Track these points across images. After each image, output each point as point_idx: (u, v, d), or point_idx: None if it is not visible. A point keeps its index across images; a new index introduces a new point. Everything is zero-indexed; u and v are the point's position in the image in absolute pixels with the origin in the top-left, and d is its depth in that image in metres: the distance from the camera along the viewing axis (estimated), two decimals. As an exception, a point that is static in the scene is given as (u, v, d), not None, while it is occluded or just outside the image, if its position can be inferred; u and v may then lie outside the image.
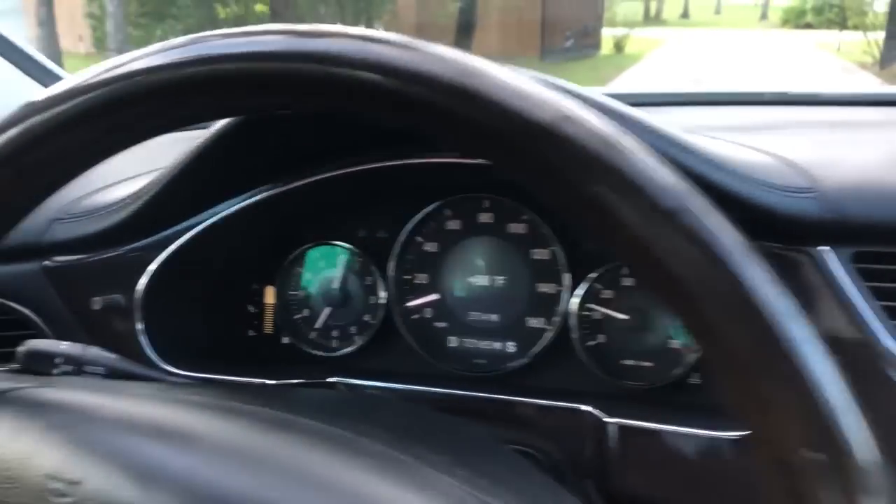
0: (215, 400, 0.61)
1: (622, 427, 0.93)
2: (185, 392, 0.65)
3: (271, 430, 0.54)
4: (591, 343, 1.10)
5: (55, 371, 0.84)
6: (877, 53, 16.51)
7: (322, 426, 0.57)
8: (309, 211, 1.19)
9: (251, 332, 1.23)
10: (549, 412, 1.01)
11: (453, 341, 1.17)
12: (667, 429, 0.92)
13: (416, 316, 1.18)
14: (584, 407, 0.98)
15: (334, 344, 1.21)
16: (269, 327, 1.23)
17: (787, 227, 0.89)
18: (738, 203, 0.88)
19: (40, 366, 0.85)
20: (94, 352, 0.86)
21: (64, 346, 0.85)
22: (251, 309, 1.23)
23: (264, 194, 1.08)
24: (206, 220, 1.07)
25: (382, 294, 1.18)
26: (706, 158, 0.88)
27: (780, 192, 0.89)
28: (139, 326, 1.05)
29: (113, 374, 0.86)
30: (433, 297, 1.17)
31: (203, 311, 1.17)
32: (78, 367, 0.85)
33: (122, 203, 1.04)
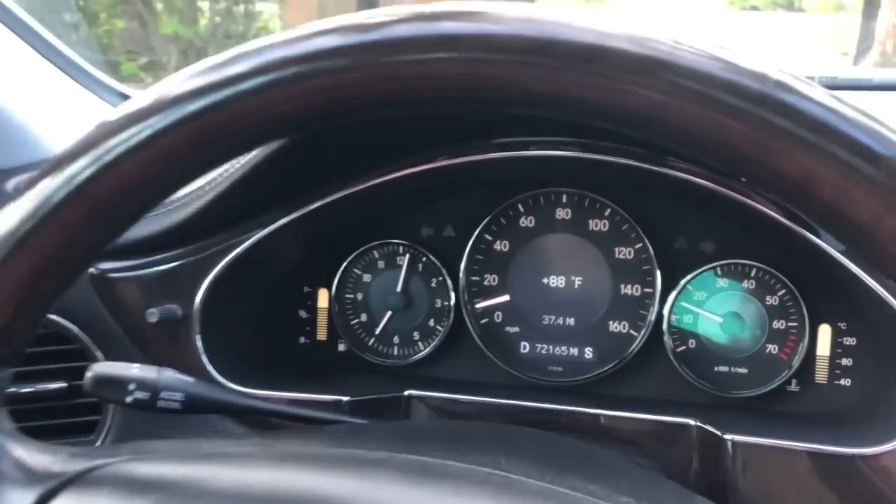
0: (333, 449, 0.54)
1: (742, 444, 0.86)
2: (294, 445, 0.57)
3: (422, 480, 0.47)
4: (682, 349, 1.03)
5: (128, 399, 0.74)
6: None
7: (466, 467, 0.50)
8: (370, 211, 1.09)
9: (303, 340, 1.14)
10: (645, 426, 0.94)
11: (525, 347, 1.09)
12: (792, 446, 0.85)
13: (485, 320, 1.10)
14: (689, 420, 0.91)
15: (396, 351, 1.12)
16: (322, 333, 1.14)
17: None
18: None
19: (112, 393, 0.75)
20: (169, 375, 0.76)
21: (136, 371, 0.75)
22: (303, 314, 1.14)
23: (329, 198, 0.98)
24: (268, 224, 0.97)
25: (451, 296, 1.09)
26: None
27: None
28: (198, 340, 0.95)
29: (189, 400, 0.77)
30: (503, 298, 1.09)
31: (258, 321, 1.07)
32: (154, 394, 0.75)
33: (178, 204, 0.94)
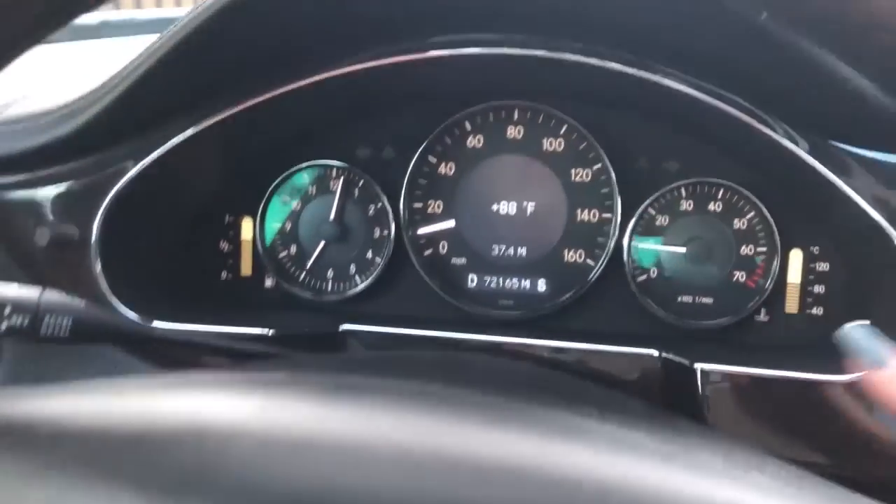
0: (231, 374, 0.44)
1: (712, 372, 0.78)
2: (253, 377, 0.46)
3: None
4: (642, 279, 0.94)
5: (4, 326, 0.62)
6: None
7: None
8: (297, 126, 0.97)
9: (226, 275, 1.02)
10: (608, 358, 0.85)
11: (473, 280, 0.99)
12: (762, 373, 0.77)
13: (429, 251, 0.99)
14: (653, 351, 0.83)
15: (330, 286, 1.01)
16: (246, 268, 1.02)
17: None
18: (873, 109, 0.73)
19: (-19, 317, 0.62)
20: (54, 296, 0.64)
21: (14, 291, 0.63)
22: (225, 247, 1.02)
23: (244, 104, 0.86)
24: (174, 135, 0.84)
25: (391, 225, 0.98)
26: None
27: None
28: (97, 266, 0.82)
29: (80, 327, 0.65)
30: (448, 224, 0.98)
31: (171, 250, 0.94)
32: (35, 319, 0.63)
33: (73, 108, 0.80)
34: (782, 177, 0.86)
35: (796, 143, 0.77)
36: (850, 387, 0.74)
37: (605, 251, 0.94)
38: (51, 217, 0.81)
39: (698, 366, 0.78)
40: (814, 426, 0.77)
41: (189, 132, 0.84)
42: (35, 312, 0.63)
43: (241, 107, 0.86)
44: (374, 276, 0.99)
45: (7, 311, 0.62)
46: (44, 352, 0.79)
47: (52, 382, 0.43)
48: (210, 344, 0.75)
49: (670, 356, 0.81)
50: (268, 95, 0.86)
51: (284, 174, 0.99)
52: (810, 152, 0.77)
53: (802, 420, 0.77)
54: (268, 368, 0.49)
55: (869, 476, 0.77)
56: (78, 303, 0.64)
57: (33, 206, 0.82)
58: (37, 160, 0.82)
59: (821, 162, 0.76)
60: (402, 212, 0.97)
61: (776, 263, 0.90)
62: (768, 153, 0.80)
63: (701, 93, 0.78)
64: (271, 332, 0.84)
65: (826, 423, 0.76)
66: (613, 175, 0.93)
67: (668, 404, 0.81)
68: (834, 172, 0.76)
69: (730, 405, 0.78)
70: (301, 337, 0.86)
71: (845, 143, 0.77)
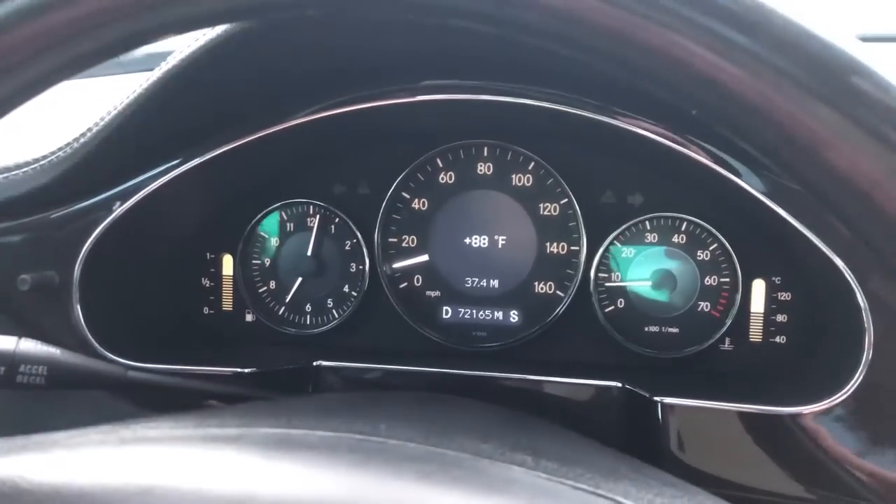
0: (178, 430, 0.46)
1: (672, 405, 0.80)
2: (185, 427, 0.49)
3: (279, 453, 0.40)
4: (610, 310, 0.97)
5: (-21, 374, 0.65)
6: None
7: (334, 436, 0.46)
8: (275, 166, 1.00)
9: (207, 311, 1.05)
10: (574, 390, 0.87)
11: (447, 312, 1.02)
12: (722, 406, 0.79)
13: (404, 284, 1.02)
14: (616, 383, 0.85)
15: (308, 320, 1.04)
16: (227, 303, 1.05)
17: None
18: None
19: (-41, 367, 0.65)
20: (30, 345, 0.67)
21: (-11, 341, 0.66)
22: (206, 283, 1.05)
23: (223, 148, 0.89)
24: (155, 180, 0.87)
25: (366, 260, 1.01)
26: None
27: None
28: (77, 310, 0.85)
29: (55, 373, 0.68)
30: (422, 258, 1.01)
31: (153, 290, 0.97)
32: (11, 367, 0.66)
33: (52, 160, 0.84)
34: (740, 211, 0.88)
35: (752, 184, 0.79)
36: (810, 417, 0.77)
37: (574, 283, 0.97)
38: (31, 263, 0.84)
39: (658, 398, 0.81)
40: (773, 456, 0.79)
41: (170, 175, 0.87)
42: (11, 361, 0.66)
43: (221, 150, 0.89)
44: (350, 309, 1.01)
45: (-16, 360, 0.65)
46: (23, 398, 0.82)
47: (21, 431, 0.46)
48: (187, 386, 0.78)
49: (632, 388, 0.84)
50: (247, 139, 0.89)
51: (263, 212, 1.02)
52: (764, 191, 0.79)
53: (762, 450, 0.79)
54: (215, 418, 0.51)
55: None
56: (54, 350, 0.67)
57: (14, 253, 0.86)
58: (18, 208, 0.86)
59: (774, 200, 0.79)
60: (376, 246, 1.00)
61: (738, 294, 0.93)
62: (725, 191, 0.82)
63: (657, 135, 0.81)
64: (248, 370, 0.86)
65: (785, 453, 0.79)
66: (579, 209, 0.96)
67: (631, 436, 0.83)
68: (786, 209, 0.78)
69: (690, 436, 0.80)
70: (277, 374, 0.88)
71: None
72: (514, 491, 0.41)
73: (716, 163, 0.80)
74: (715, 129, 0.38)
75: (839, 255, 0.76)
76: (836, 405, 0.75)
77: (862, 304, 0.74)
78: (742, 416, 0.78)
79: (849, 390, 0.75)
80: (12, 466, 0.40)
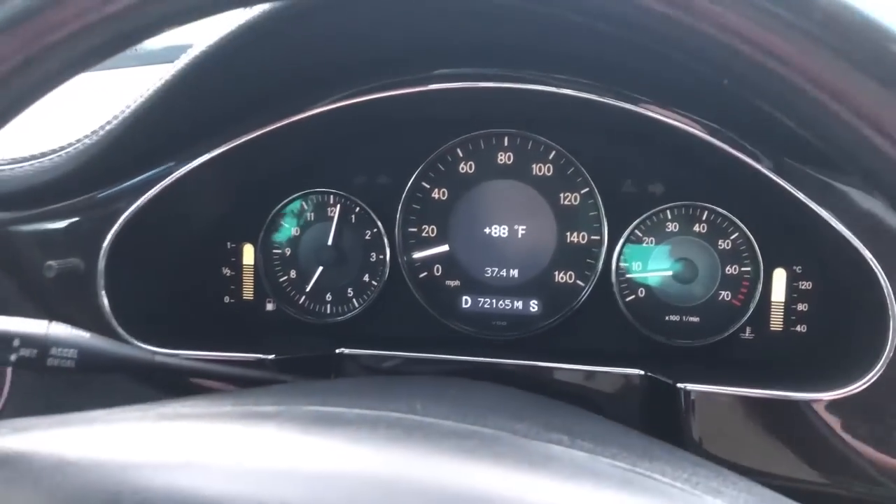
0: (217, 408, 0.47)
1: (696, 392, 0.80)
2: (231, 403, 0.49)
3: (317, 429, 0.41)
4: (631, 299, 0.97)
5: (12, 357, 0.65)
6: None
7: (373, 414, 0.46)
8: (296, 155, 1.01)
9: (228, 300, 1.05)
10: (594, 378, 0.88)
11: (467, 301, 1.02)
12: (745, 392, 0.79)
13: (424, 274, 1.02)
14: (638, 371, 0.85)
15: (329, 309, 1.04)
16: (248, 292, 1.06)
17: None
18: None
19: (-8, 351, 0.66)
20: (61, 329, 0.67)
21: (22, 324, 0.66)
22: (227, 272, 1.05)
23: (246, 137, 0.89)
24: (178, 168, 0.88)
25: (386, 249, 1.01)
26: None
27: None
28: (103, 297, 0.86)
29: (85, 356, 0.68)
30: (442, 248, 1.02)
31: (175, 278, 0.98)
32: (42, 350, 0.66)
33: (78, 148, 0.84)
34: (762, 199, 0.88)
35: (774, 170, 0.79)
36: (831, 405, 0.77)
37: (594, 273, 0.97)
38: (58, 250, 0.85)
39: (682, 385, 0.81)
40: (794, 443, 0.79)
41: (192, 165, 0.88)
42: (43, 344, 0.66)
43: (242, 139, 0.89)
44: (371, 298, 1.02)
45: (16, 343, 0.65)
46: (53, 382, 0.82)
47: (55, 413, 0.46)
48: (212, 371, 0.78)
49: (655, 375, 0.84)
50: (269, 128, 0.90)
51: (284, 202, 1.03)
52: (787, 178, 0.79)
53: (783, 437, 0.79)
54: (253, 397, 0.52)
55: (850, 493, 0.79)
56: (83, 334, 0.68)
57: (41, 240, 0.86)
58: (45, 196, 0.86)
59: (796, 186, 0.79)
60: (396, 236, 1.01)
61: (760, 282, 0.93)
62: (747, 178, 0.83)
63: (679, 122, 0.81)
64: (272, 356, 0.87)
65: (806, 440, 0.79)
66: (600, 198, 0.96)
67: (653, 423, 0.84)
68: (809, 196, 0.78)
69: (712, 423, 0.81)
70: (300, 360, 0.89)
71: (818, 169, 0.79)
72: (554, 467, 0.41)
73: (738, 150, 0.80)
74: (751, 101, 0.38)
75: (865, 244, 0.76)
76: (857, 394, 0.75)
77: (888, 295, 0.74)
78: (762, 402, 0.78)
79: (871, 379, 0.75)
80: (55, 440, 0.41)
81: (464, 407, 0.50)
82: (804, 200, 0.78)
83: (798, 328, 0.93)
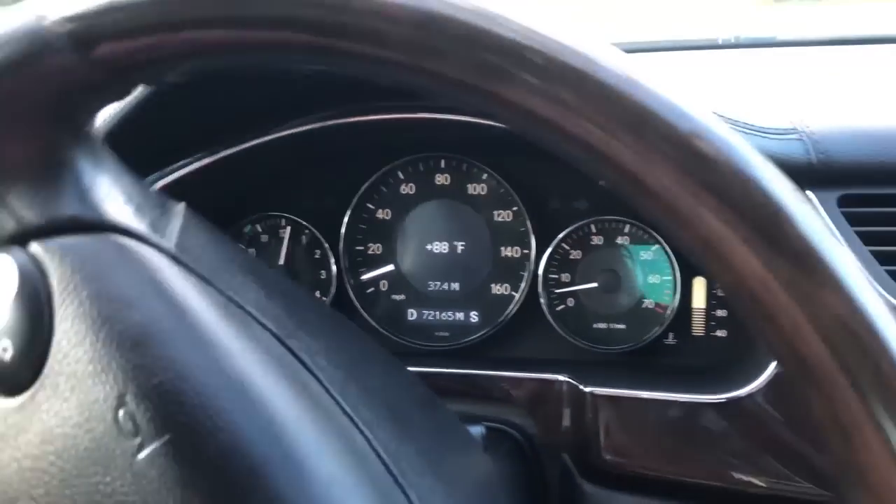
0: None
1: (601, 396, 0.86)
2: None
3: None
4: (560, 308, 1.03)
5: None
6: None
7: None
8: (246, 182, 1.08)
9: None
10: (520, 384, 0.94)
11: (412, 314, 1.09)
12: (646, 395, 0.85)
13: (371, 290, 1.09)
14: (558, 377, 0.91)
15: (283, 324, 1.11)
16: (210, 310, 1.13)
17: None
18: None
19: None
20: None
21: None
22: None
23: (193, 165, 0.97)
24: None
25: (333, 268, 1.08)
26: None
27: (764, 135, 0.82)
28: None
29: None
30: (388, 268, 1.08)
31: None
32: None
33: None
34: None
35: None
36: (729, 406, 0.82)
37: (524, 284, 1.03)
38: None
39: (588, 389, 0.87)
40: (696, 445, 0.85)
41: None
42: None
43: (195, 166, 0.97)
44: (320, 314, 1.09)
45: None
46: None
47: None
48: None
49: (569, 380, 0.90)
50: (220, 155, 0.97)
51: (236, 225, 1.10)
52: None
53: (684, 439, 0.85)
54: None
55: (758, 491, 0.84)
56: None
57: None
58: None
59: None
60: (341, 255, 1.08)
61: (678, 290, 0.98)
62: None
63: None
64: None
65: (706, 441, 0.84)
66: (527, 215, 1.03)
67: (574, 426, 0.89)
68: None
69: (618, 425, 0.86)
70: None
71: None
72: None
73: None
74: None
75: None
76: (749, 395, 0.80)
77: None
78: (665, 404, 0.84)
79: (761, 382, 0.80)
80: None
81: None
82: None
83: (718, 333, 0.99)
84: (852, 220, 0.82)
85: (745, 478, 0.84)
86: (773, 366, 0.80)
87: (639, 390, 0.86)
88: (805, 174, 0.82)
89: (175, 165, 0.97)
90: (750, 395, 0.80)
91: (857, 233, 0.82)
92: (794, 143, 0.82)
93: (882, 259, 0.81)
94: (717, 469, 0.85)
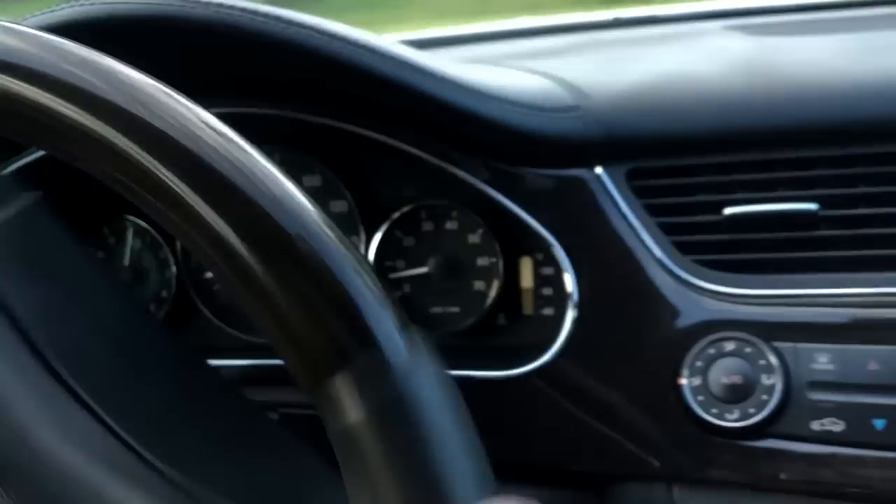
0: None
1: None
2: None
3: None
4: (397, 294, 1.05)
5: None
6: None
7: None
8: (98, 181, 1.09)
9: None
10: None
11: (256, 309, 1.10)
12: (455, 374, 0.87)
13: (213, 287, 1.10)
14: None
15: (132, 324, 1.12)
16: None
17: (555, 150, 0.85)
18: (502, 129, 0.83)
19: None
20: None
21: None
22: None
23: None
24: None
25: (173, 268, 1.10)
26: (463, 88, 0.82)
27: (545, 114, 0.84)
28: None
29: None
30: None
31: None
32: None
33: None
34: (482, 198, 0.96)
35: (475, 174, 0.88)
36: (515, 381, 0.84)
37: (361, 273, 1.05)
38: None
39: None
40: (500, 422, 0.86)
41: None
42: None
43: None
44: (163, 310, 1.10)
45: None
46: None
47: None
48: None
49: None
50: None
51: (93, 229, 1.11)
52: (486, 180, 0.87)
53: (488, 418, 0.87)
54: None
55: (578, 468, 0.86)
56: None
57: None
58: None
59: (493, 188, 0.87)
60: (179, 252, 1.09)
61: (501, 271, 1.00)
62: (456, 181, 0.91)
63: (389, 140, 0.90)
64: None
65: (505, 418, 0.86)
66: (354, 202, 1.04)
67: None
68: (505, 195, 0.87)
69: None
70: None
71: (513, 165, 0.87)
72: None
73: (434, 155, 0.88)
74: None
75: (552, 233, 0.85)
76: (542, 366, 0.82)
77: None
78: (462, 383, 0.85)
79: (554, 352, 0.82)
80: None
81: None
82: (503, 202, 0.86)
83: (545, 311, 1.01)
84: (641, 192, 0.84)
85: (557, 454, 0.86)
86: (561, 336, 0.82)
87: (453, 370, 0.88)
88: (591, 150, 0.84)
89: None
90: (542, 368, 0.82)
91: (646, 205, 0.84)
92: (575, 120, 0.84)
93: (669, 230, 0.84)
94: (527, 445, 0.87)
